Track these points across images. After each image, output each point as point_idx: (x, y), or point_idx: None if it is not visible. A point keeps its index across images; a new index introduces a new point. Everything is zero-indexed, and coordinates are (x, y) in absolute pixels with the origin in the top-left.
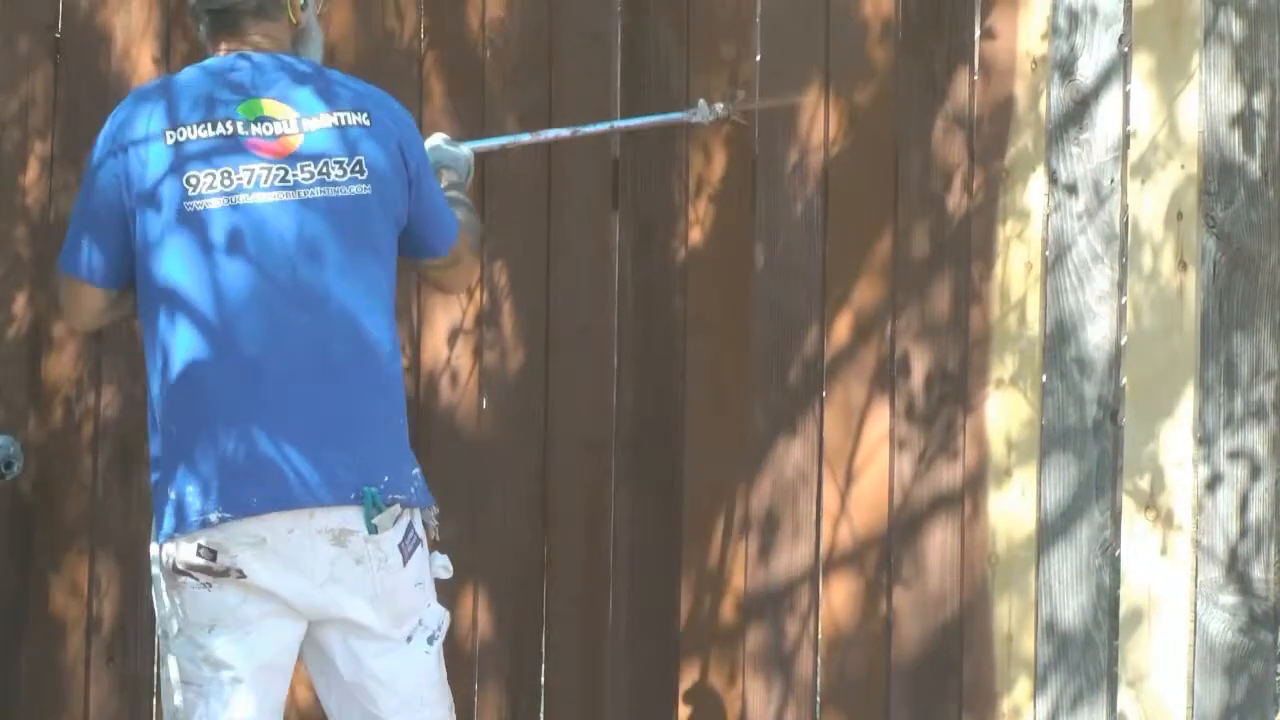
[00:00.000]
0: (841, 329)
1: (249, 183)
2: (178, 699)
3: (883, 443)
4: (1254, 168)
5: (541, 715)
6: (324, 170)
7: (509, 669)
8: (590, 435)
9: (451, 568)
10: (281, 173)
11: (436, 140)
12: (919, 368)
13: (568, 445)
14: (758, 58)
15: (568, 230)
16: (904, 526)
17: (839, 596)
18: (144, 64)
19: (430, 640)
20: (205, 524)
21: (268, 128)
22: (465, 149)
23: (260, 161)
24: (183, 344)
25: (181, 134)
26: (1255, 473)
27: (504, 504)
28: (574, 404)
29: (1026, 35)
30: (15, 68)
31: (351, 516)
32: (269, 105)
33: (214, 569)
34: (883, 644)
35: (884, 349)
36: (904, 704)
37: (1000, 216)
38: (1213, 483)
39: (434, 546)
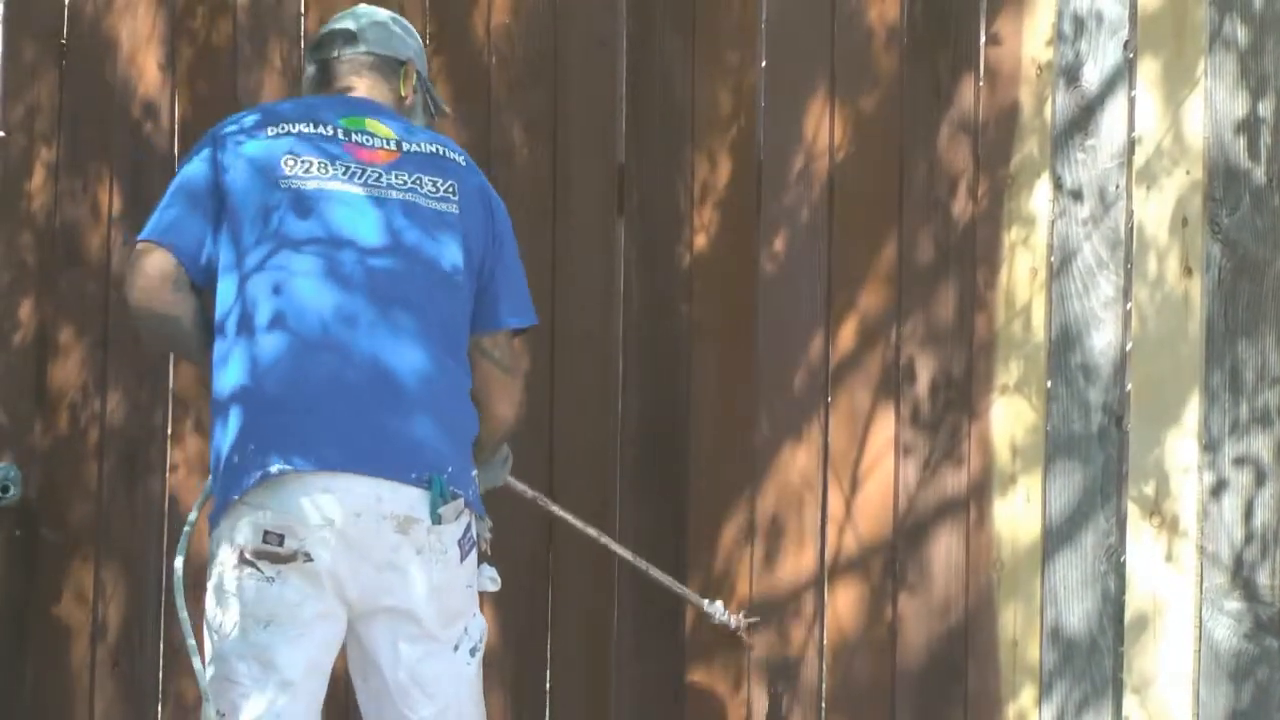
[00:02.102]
0: (846, 335)
1: (344, 175)
2: (220, 696)
3: (888, 449)
4: (1259, 174)
5: (547, 719)
6: (417, 181)
7: (513, 675)
8: (595, 442)
9: (500, 580)
10: (376, 174)
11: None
12: (924, 374)
13: (573, 452)
14: (763, 64)
15: (573, 237)
16: (909, 533)
17: (844, 603)
18: (149, 70)
19: (472, 652)
20: (265, 478)
21: (368, 139)
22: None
23: (356, 163)
24: (264, 318)
25: (282, 129)
26: (1260, 479)
27: (509, 510)
28: (579, 410)
29: (1032, 41)
30: (21, 74)
31: (418, 503)
32: (371, 123)
33: (281, 554)
34: (888, 650)
35: (889, 355)
36: (909, 710)
37: (1005, 222)
38: (1218, 489)
39: (483, 558)
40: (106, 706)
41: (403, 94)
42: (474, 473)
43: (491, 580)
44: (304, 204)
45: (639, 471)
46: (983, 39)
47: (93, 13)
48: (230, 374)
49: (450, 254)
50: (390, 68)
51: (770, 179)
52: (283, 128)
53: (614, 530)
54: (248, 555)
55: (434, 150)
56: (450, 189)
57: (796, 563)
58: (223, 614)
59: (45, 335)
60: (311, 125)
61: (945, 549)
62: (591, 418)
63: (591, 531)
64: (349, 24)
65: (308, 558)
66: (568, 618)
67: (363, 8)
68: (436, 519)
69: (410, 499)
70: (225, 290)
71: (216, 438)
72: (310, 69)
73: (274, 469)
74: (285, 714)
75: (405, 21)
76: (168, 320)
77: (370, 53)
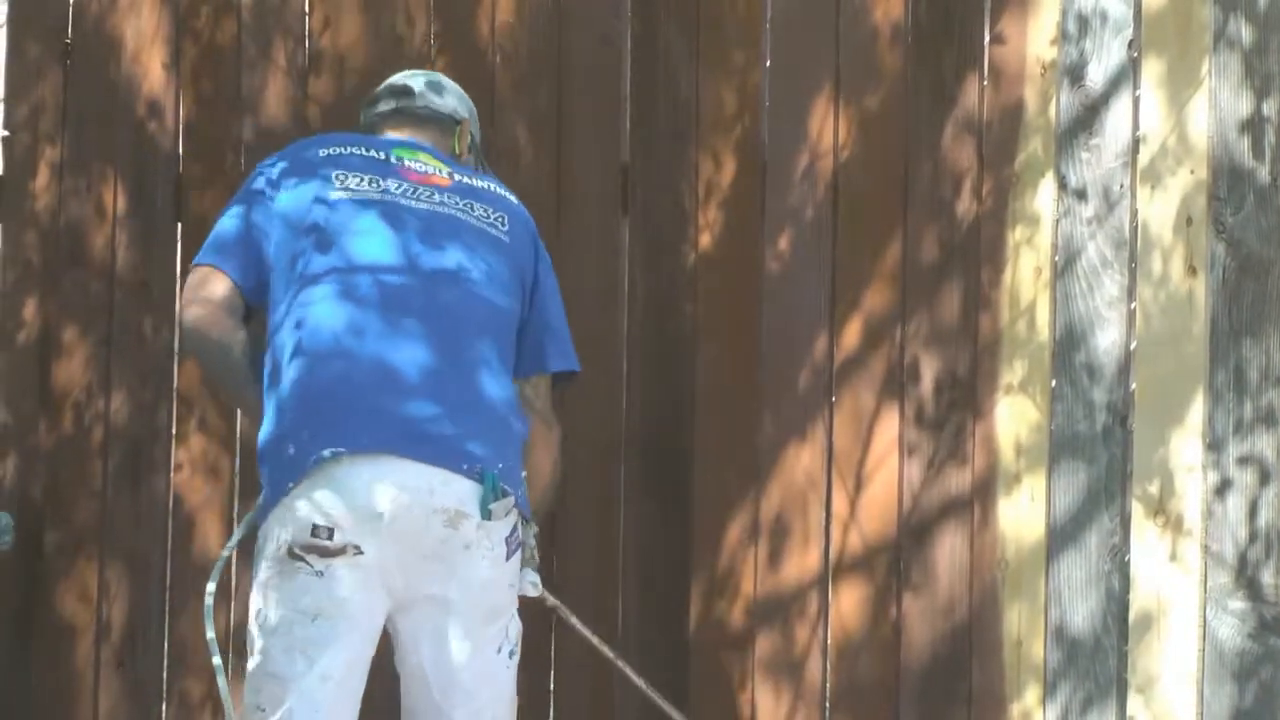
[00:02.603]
0: (851, 335)
1: (396, 189)
2: (261, 691)
3: (892, 449)
4: (1263, 173)
5: (551, 718)
6: (468, 206)
7: (518, 674)
8: (600, 441)
9: (540, 585)
10: (428, 192)
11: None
12: (928, 373)
13: (577, 451)
14: (767, 63)
15: (577, 236)
16: (913, 532)
17: (848, 602)
18: (154, 70)
19: (511, 654)
20: (319, 462)
21: (421, 165)
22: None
23: (409, 182)
24: (310, 306)
25: (335, 150)
26: (1265, 478)
27: None
28: (583, 410)
29: (1036, 41)
30: (26, 73)
31: (468, 498)
32: (424, 156)
33: (330, 548)
34: (892, 650)
35: (893, 355)
36: (913, 709)
37: (1010, 222)
38: (1222, 488)
39: (527, 563)
40: (111, 706)
41: (456, 151)
42: (524, 474)
43: (533, 585)
44: (355, 215)
45: (643, 471)
46: (987, 38)
47: (97, 12)
48: (284, 374)
49: (500, 272)
50: (445, 126)
51: (775, 178)
52: (335, 149)
53: (618, 529)
54: (297, 550)
55: (486, 186)
56: (500, 219)
57: (801, 562)
58: (269, 608)
59: (49, 334)
60: (364, 149)
61: (949, 548)
62: (596, 416)
63: (607, 652)
64: (408, 81)
65: (357, 550)
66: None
67: (422, 71)
68: (486, 514)
69: (461, 493)
70: (279, 300)
71: (265, 442)
72: (364, 119)
73: (327, 453)
74: (327, 707)
75: (461, 91)
76: (221, 345)
77: (427, 107)
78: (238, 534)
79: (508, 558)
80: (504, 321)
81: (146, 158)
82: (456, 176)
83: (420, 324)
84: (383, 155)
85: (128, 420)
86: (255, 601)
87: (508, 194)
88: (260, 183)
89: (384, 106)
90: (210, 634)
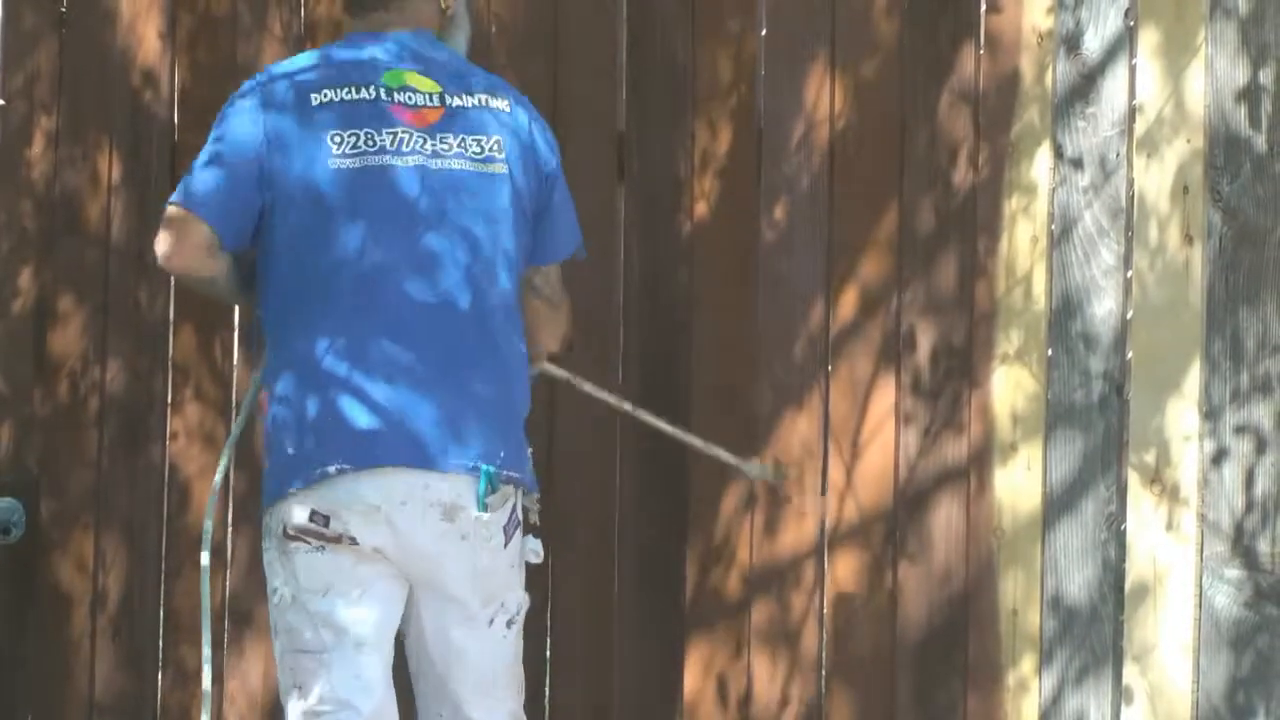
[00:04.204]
0: (847, 304)
1: (391, 145)
2: (296, 670)
3: (888, 418)
4: (1260, 142)
5: (547, 686)
6: (462, 144)
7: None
8: (595, 411)
9: (542, 553)
10: (422, 140)
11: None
12: (925, 342)
13: (573, 421)
14: (763, 31)
15: (574, 204)
16: (909, 501)
17: (844, 571)
18: (149, 39)
19: (509, 624)
20: (324, 477)
21: (410, 96)
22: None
23: (402, 127)
24: (313, 300)
25: (326, 95)
26: (1261, 447)
27: None
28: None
29: (1032, 9)
30: (21, 41)
31: (464, 491)
32: (412, 76)
33: (326, 534)
34: (888, 618)
35: (890, 324)
36: (909, 678)
37: (1006, 191)
38: (1218, 457)
39: (529, 530)
40: (107, 674)
41: (444, 6)
42: (529, 451)
43: (534, 553)
44: (354, 193)
45: (640, 440)
46: (983, 6)
47: None
48: (283, 366)
49: (498, 228)
50: None
51: (770, 147)
52: (326, 94)
53: (614, 498)
54: (292, 531)
55: (477, 101)
56: (496, 145)
57: (797, 531)
58: (282, 588)
59: (45, 303)
60: (354, 90)
61: (946, 517)
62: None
63: (625, 406)
64: None
65: (353, 540)
66: (568, 586)
67: None
68: (483, 507)
69: (458, 487)
70: (273, 276)
71: (273, 423)
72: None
73: (332, 469)
74: (365, 674)
75: None
76: (204, 280)
77: None
78: (223, 464)
79: (506, 544)
80: (505, 281)
81: (142, 126)
82: (449, 99)
83: (420, 315)
84: (372, 92)
85: (123, 389)
86: (269, 582)
87: (500, 99)
88: (253, 129)
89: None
90: (206, 605)
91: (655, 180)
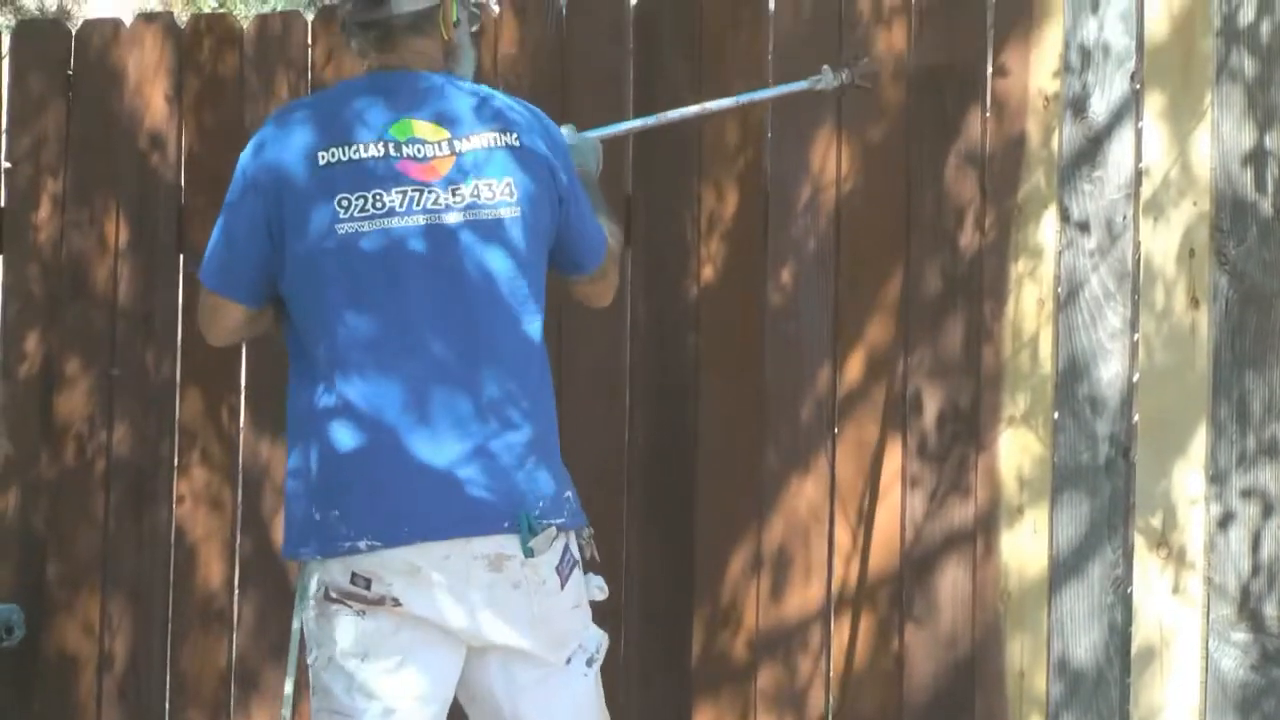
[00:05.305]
0: (854, 366)
1: (401, 205)
2: None
3: (895, 480)
4: (1266, 205)
5: None
6: (475, 192)
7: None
8: (603, 472)
9: (607, 589)
10: (433, 196)
11: (564, 132)
12: (931, 405)
13: (580, 482)
14: None
15: None
16: (916, 564)
17: (851, 634)
18: (156, 101)
19: (589, 663)
20: (354, 551)
21: (419, 149)
22: (593, 137)
23: (412, 184)
24: (332, 365)
25: (333, 154)
26: (1267, 511)
27: None
28: (586, 441)
29: (1039, 73)
30: (28, 105)
31: (507, 541)
32: (420, 126)
33: (368, 597)
34: (895, 682)
35: (896, 387)
36: None
37: (1012, 254)
38: (1225, 520)
39: (589, 567)
40: None
41: (445, 37)
42: (569, 492)
43: (599, 589)
44: (363, 258)
45: (646, 501)
46: (990, 70)
47: (100, 44)
48: (300, 431)
49: (516, 271)
50: (426, 16)
51: (777, 210)
52: (332, 153)
53: (621, 560)
54: (334, 595)
55: (486, 142)
56: (508, 188)
57: (803, 594)
58: (320, 649)
59: (52, 366)
60: (362, 149)
61: (952, 580)
62: (599, 447)
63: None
64: None
65: (396, 602)
66: None
67: None
68: (529, 553)
69: (500, 540)
70: (293, 326)
71: (294, 482)
72: (354, 39)
73: (363, 544)
74: None
75: None
76: (252, 337)
77: (402, 14)
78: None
79: (563, 585)
80: (529, 318)
81: (149, 189)
82: (457, 144)
83: (440, 375)
84: (380, 149)
85: (130, 452)
86: (309, 638)
87: (508, 133)
88: (260, 200)
89: (367, 17)
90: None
91: (662, 243)
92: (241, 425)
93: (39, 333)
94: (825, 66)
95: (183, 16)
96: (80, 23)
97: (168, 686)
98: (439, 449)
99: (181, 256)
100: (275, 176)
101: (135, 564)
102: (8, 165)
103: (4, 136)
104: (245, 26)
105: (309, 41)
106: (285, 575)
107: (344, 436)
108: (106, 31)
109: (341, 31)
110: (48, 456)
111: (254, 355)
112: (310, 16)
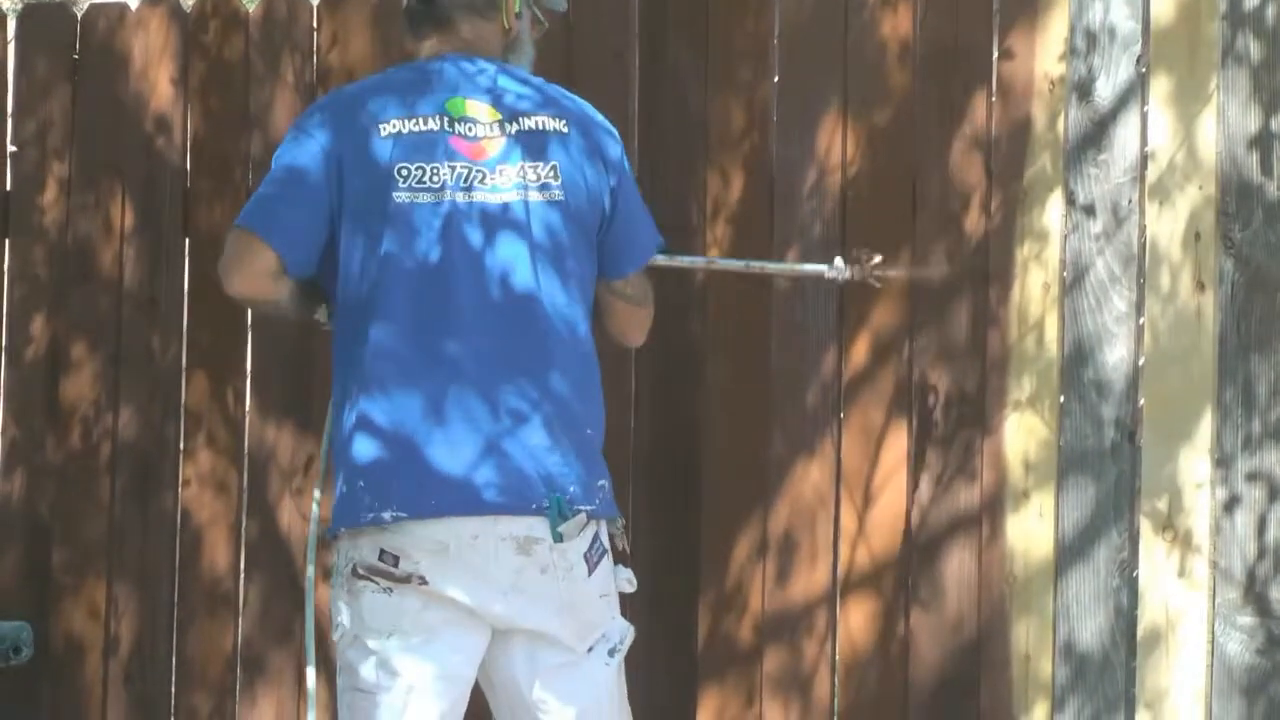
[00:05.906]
0: (859, 351)
1: (452, 180)
2: (353, 708)
3: (901, 465)
4: (1272, 189)
5: None
6: (521, 174)
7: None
8: (608, 458)
9: (636, 582)
10: (480, 175)
11: None
12: (937, 390)
13: None
14: (775, 79)
15: None
16: (922, 548)
17: (857, 618)
18: (162, 85)
19: (611, 653)
20: (379, 522)
21: (469, 128)
22: None
23: (461, 160)
24: (378, 336)
25: (394, 127)
26: (1273, 494)
27: None
28: None
29: (1044, 57)
30: (34, 88)
31: (537, 524)
32: (472, 106)
33: (395, 574)
34: (900, 666)
35: (902, 371)
36: None
37: (1018, 238)
38: (1231, 504)
39: (619, 558)
40: None
41: (506, 26)
42: (603, 481)
43: (629, 582)
44: (415, 229)
45: (651, 487)
46: (995, 54)
47: (105, 27)
48: (342, 404)
49: (557, 255)
50: (487, 3)
51: (783, 194)
52: (394, 125)
53: (627, 544)
54: (361, 570)
55: (535, 125)
56: (552, 172)
57: (809, 578)
58: (346, 624)
59: (57, 350)
60: (421, 121)
61: (958, 565)
62: (604, 434)
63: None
64: None
65: (423, 581)
66: None
67: None
68: (558, 537)
69: (529, 522)
70: (341, 292)
71: (340, 444)
72: (406, 20)
73: (388, 515)
74: None
75: None
76: (268, 303)
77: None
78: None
79: (590, 573)
80: (577, 300)
81: (154, 173)
82: (508, 126)
83: (478, 361)
84: (436, 123)
85: (136, 436)
86: (335, 615)
87: (558, 119)
88: (323, 159)
89: (430, 14)
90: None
91: (668, 228)
92: (247, 409)
93: (44, 316)
94: (838, 258)
95: (188, 0)
96: (86, 6)
97: (174, 671)
98: (472, 428)
99: (187, 241)
100: (341, 142)
101: (141, 548)
102: (13, 149)
103: (10, 120)
104: (251, 10)
105: (314, 25)
106: (291, 559)
107: (377, 413)
108: (112, 15)
109: (404, 16)
110: (53, 441)
111: (259, 339)
112: (316, 1)
